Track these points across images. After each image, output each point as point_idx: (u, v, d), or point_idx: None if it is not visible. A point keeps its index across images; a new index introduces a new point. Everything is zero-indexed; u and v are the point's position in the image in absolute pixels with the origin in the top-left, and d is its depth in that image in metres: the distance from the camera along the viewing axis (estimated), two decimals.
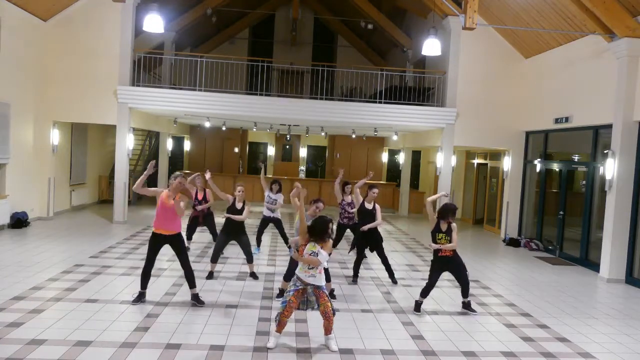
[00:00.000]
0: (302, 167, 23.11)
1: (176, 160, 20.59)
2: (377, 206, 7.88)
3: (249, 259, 7.63)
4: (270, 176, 18.99)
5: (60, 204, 13.00)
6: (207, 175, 7.84)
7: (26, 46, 11.09)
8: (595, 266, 9.56)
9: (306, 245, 5.07)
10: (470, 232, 14.29)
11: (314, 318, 5.99)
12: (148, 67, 14.46)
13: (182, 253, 6.17)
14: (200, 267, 8.16)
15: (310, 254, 5.00)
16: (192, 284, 6.25)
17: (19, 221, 10.78)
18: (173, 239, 6.10)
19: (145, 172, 6.08)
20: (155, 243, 6.10)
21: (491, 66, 12.69)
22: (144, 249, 6.26)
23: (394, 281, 7.84)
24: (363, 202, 7.90)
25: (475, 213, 15.97)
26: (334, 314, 5.12)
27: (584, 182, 10.54)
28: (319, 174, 23.19)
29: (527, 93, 12.48)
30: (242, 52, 21.12)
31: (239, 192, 7.50)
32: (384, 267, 7.88)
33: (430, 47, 8.86)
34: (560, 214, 11.17)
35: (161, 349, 4.86)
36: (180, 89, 13.07)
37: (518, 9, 11.03)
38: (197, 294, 6.31)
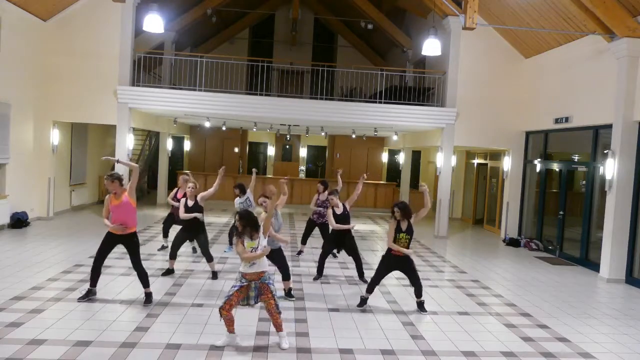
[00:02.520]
0: (302, 167, 23.12)
1: (176, 160, 20.59)
2: (346, 204, 7.74)
3: (208, 259, 7.54)
4: (272, 176, 19.00)
5: (60, 204, 13.00)
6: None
7: (26, 46, 11.09)
8: (595, 266, 9.55)
9: (242, 244, 4.91)
10: (470, 232, 14.29)
11: (314, 318, 6.00)
12: (148, 67, 14.46)
13: (134, 254, 6.16)
14: (200, 267, 8.17)
15: (251, 251, 4.87)
16: (145, 284, 6.25)
17: (19, 221, 10.79)
18: (126, 238, 6.10)
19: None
20: (108, 241, 6.12)
21: (491, 66, 12.69)
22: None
23: (364, 280, 7.76)
24: (333, 211, 7.63)
25: (475, 213, 15.97)
26: (279, 313, 5.01)
27: (584, 182, 10.54)
28: (319, 174, 23.19)
29: (527, 93, 12.48)
30: (242, 52, 21.12)
31: (190, 189, 7.49)
32: (355, 265, 7.87)
33: (430, 47, 8.86)
34: (560, 214, 11.17)
35: (161, 349, 4.86)
36: (180, 89, 13.07)
37: (518, 9, 11.03)
38: (150, 293, 6.28)
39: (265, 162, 23.74)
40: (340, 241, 7.77)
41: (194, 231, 7.53)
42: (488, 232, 14.49)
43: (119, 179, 6.06)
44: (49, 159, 12.08)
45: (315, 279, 7.80)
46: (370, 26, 17.56)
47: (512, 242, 12.26)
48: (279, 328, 5.07)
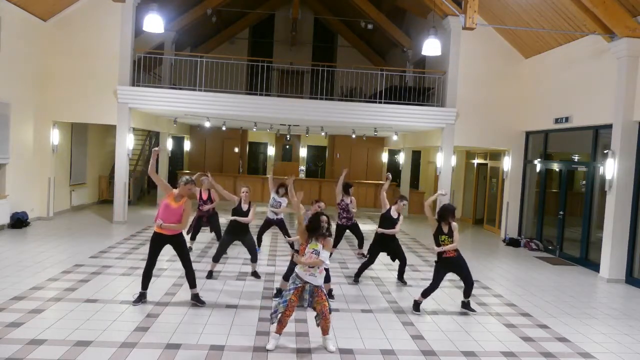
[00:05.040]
0: (302, 167, 23.12)
1: (176, 160, 20.59)
2: (401, 217, 7.81)
3: (254, 259, 7.63)
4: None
5: (60, 204, 13.00)
6: (209, 178, 8.22)
7: (26, 46, 11.09)
8: (595, 266, 9.55)
9: (307, 244, 5.08)
10: (470, 232, 14.29)
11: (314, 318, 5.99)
12: (148, 67, 14.46)
13: (184, 253, 6.17)
14: (200, 266, 8.16)
15: (312, 252, 4.99)
16: (192, 284, 6.26)
17: (19, 221, 10.78)
18: (174, 239, 6.09)
19: (152, 159, 6.06)
20: (157, 243, 6.09)
21: (491, 66, 12.69)
22: (144, 249, 6.27)
23: (404, 282, 7.87)
24: (390, 209, 7.75)
25: (475, 213, 15.97)
26: (330, 313, 5.09)
27: (584, 182, 10.54)
28: (319, 174, 23.19)
29: (527, 93, 12.48)
30: (242, 52, 21.12)
31: (244, 193, 7.50)
32: (397, 267, 7.93)
33: (430, 47, 8.85)
34: (560, 214, 11.16)
35: (161, 349, 4.87)
36: (180, 89, 13.07)
37: (518, 9, 11.03)
38: (198, 294, 6.31)
39: (265, 162, 23.73)
40: (386, 244, 7.77)
41: (239, 233, 7.50)
42: (488, 232, 14.49)
43: None
44: (49, 159, 12.08)
45: (355, 281, 7.85)
46: (370, 26, 17.56)
47: (512, 242, 12.26)
48: (325, 332, 5.09)
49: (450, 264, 6.41)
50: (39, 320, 5.42)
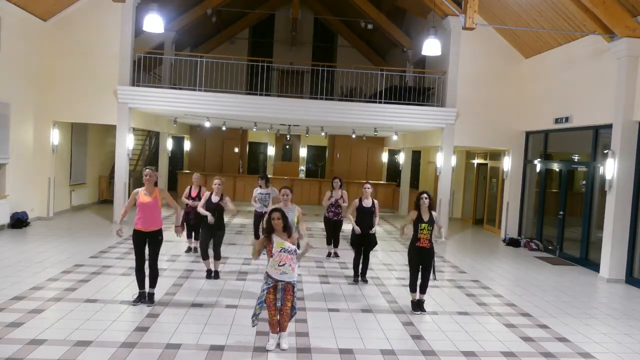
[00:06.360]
0: (302, 167, 23.13)
1: (176, 160, 20.59)
2: (376, 202, 7.89)
3: (216, 256, 7.54)
4: (272, 176, 18.98)
5: (60, 204, 12.99)
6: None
7: (26, 46, 11.09)
8: (595, 266, 9.55)
9: (272, 244, 4.93)
10: (470, 232, 14.29)
11: (314, 318, 6.00)
12: (148, 67, 14.46)
13: (155, 252, 6.18)
14: (200, 266, 8.16)
15: (280, 251, 4.89)
16: (152, 284, 6.25)
17: (19, 221, 10.78)
18: (153, 235, 6.11)
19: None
20: (139, 240, 6.11)
21: (491, 66, 12.68)
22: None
23: (364, 280, 7.85)
24: (360, 202, 7.83)
25: (475, 213, 15.97)
26: (294, 314, 5.05)
27: (584, 182, 10.55)
28: (319, 174, 23.19)
29: (527, 93, 12.48)
30: (242, 52, 21.12)
31: (216, 184, 7.46)
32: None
33: (430, 47, 8.85)
34: (560, 214, 11.16)
35: (161, 349, 4.86)
36: (180, 89, 13.06)
37: (518, 9, 11.03)
38: (153, 294, 6.27)
39: (265, 162, 23.74)
40: (365, 239, 7.77)
41: (214, 227, 7.46)
42: (488, 232, 14.49)
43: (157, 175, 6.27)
44: (49, 159, 12.07)
45: (355, 281, 7.83)
46: (370, 26, 17.55)
47: (512, 242, 12.26)
48: (283, 328, 5.06)
49: (421, 253, 6.40)
50: (39, 320, 5.42)
